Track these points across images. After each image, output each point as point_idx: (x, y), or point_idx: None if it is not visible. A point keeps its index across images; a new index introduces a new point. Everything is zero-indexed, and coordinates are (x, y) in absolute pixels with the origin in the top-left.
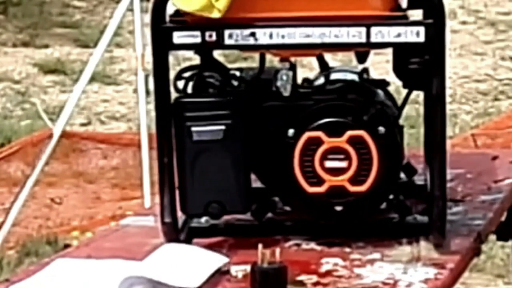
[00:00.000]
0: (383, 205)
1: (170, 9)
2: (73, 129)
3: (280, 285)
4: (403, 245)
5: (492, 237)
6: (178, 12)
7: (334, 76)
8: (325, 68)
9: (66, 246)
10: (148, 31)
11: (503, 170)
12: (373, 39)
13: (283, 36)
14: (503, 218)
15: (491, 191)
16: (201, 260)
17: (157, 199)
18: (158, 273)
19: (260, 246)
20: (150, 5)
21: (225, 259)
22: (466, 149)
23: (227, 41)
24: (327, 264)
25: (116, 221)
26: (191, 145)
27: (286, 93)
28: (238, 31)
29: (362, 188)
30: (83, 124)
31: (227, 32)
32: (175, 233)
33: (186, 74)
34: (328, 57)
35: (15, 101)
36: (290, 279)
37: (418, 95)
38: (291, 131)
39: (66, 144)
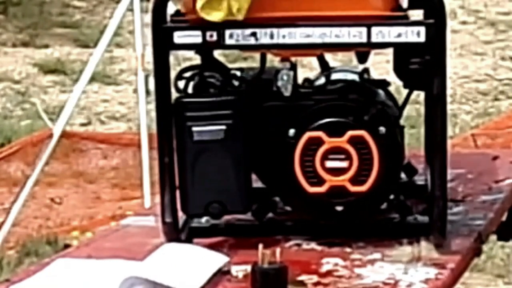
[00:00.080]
0: (384, 205)
1: (170, 9)
2: (73, 129)
3: (281, 285)
4: (404, 245)
5: (493, 237)
6: (178, 12)
7: (334, 76)
8: (325, 68)
9: (66, 246)
10: (148, 31)
11: (503, 170)
12: (374, 39)
13: (283, 36)
14: (503, 218)
15: (492, 191)
16: (202, 260)
17: (157, 199)
18: (158, 274)
19: (260, 246)
20: (150, 5)
21: (226, 259)
22: (466, 149)
23: (228, 41)
24: (328, 264)
25: (116, 221)
26: (191, 145)
27: (287, 93)
28: (239, 31)
29: (363, 188)
30: (83, 124)
31: (227, 32)
32: (175, 233)
33: (187, 74)
34: (328, 57)
35: (15, 101)
36: (290, 279)
37: (419, 95)
38: (291, 131)
39: (66, 144)
